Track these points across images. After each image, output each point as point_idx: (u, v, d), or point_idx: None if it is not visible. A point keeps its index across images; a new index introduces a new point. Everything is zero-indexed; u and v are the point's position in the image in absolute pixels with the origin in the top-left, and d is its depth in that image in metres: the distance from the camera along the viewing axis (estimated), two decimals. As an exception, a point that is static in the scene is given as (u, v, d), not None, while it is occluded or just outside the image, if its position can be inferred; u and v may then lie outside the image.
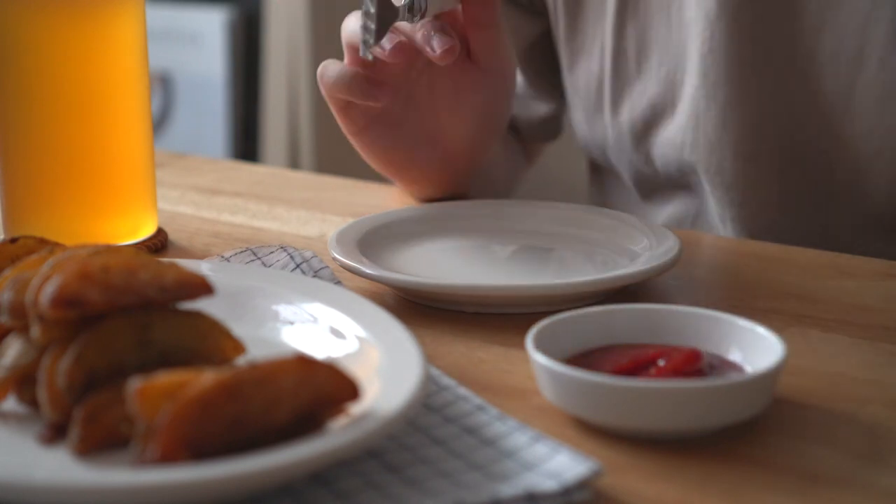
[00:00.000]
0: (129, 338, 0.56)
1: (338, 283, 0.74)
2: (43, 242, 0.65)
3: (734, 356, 0.62)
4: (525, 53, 1.07)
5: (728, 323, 0.63)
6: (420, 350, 0.59)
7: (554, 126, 1.11)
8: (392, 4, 0.78)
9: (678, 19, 0.95)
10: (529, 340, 0.60)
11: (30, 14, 0.79)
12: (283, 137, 2.28)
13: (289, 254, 0.78)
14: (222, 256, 0.79)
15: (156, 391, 0.51)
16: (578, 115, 1.04)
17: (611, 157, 1.03)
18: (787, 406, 0.61)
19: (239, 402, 0.51)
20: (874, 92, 0.89)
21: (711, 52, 0.92)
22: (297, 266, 0.76)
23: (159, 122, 2.49)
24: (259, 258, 0.78)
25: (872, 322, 0.72)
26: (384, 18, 0.78)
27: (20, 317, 0.57)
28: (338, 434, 0.52)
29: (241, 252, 0.79)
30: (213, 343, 0.58)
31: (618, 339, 0.64)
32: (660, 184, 1.01)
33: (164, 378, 0.52)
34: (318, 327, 0.66)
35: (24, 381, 0.58)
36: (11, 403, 0.59)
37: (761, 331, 0.61)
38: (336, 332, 0.65)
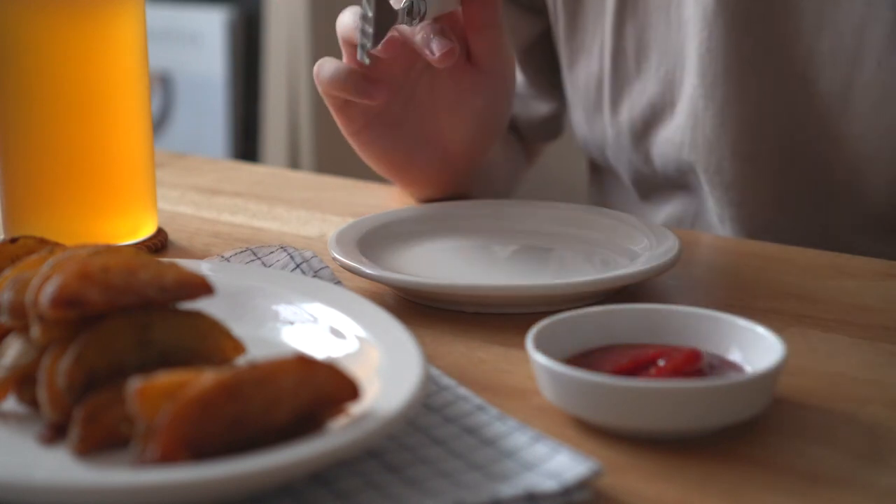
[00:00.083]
0: (129, 338, 0.56)
1: (338, 283, 0.74)
2: (43, 242, 0.65)
3: (734, 356, 0.62)
4: (525, 52, 1.07)
5: (728, 323, 0.63)
6: (420, 350, 0.59)
7: (554, 126, 1.11)
8: (390, 8, 0.78)
9: (677, 19, 0.95)
10: (529, 340, 0.60)
11: (30, 14, 0.79)
12: (283, 137, 2.28)
13: (289, 254, 0.78)
14: (222, 256, 0.79)
15: (156, 391, 0.51)
16: (578, 115, 1.04)
17: (610, 157, 1.03)
18: (787, 406, 0.61)
19: (239, 402, 0.51)
20: (872, 92, 0.89)
21: (709, 51, 0.92)
22: (297, 266, 0.76)
23: (159, 122, 2.49)
24: (259, 258, 0.78)
25: (872, 322, 0.72)
26: (382, 22, 0.77)
27: (20, 317, 0.57)
28: (338, 434, 0.52)
29: (241, 252, 0.79)
30: (213, 343, 0.58)
31: (618, 339, 0.64)
32: (658, 184, 1.01)
33: (164, 378, 0.52)
34: (318, 327, 0.66)
35: (24, 381, 0.58)
36: (11, 403, 0.59)
37: (761, 331, 0.61)
38: (336, 332, 0.65)
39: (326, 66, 0.82)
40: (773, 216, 0.94)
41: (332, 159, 2.22)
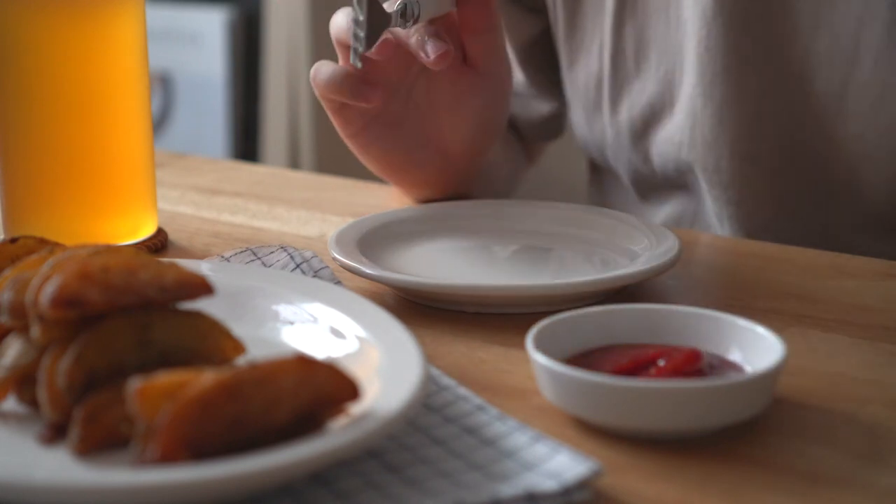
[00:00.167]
0: (129, 338, 0.56)
1: (338, 283, 0.74)
2: (43, 242, 0.65)
3: (734, 356, 0.62)
4: (525, 51, 1.07)
5: (728, 323, 0.63)
6: (420, 350, 0.59)
7: (555, 125, 1.11)
8: (383, 10, 0.77)
9: (676, 18, 0.95)
10: (529, 340, 0.60)
11: (30, 14, 0.79)
12: (283, 137, 2.28)
13: (289, 254, 0.78)
14: (222, 256, 0.79)
15: (156, 391, 0.51)
16: (577, 114, 1.04)
17: (609, 157, 1.03)
18: (787, 406, 0.61)
19: (239, 402, 0.51)
20: (870, 91, 0.89)
21: (708, 50, 0.92)
22: (297, 266, 0.76)
23: (159, 122, 2.49)
24: (259, 258, 0.78)
25: (872, 322, 0.72)
26: (375, 25, 0.77)
27: (20, 317, 0.57)
28: (338, 434, 0.52)
29: (241, 252, 0.79)
30: (213, 343, 0.58)
31: (618, 339, 0.64)
32: (658, 183, 1.01)
33: (164, 378, 0.52)
34: (318, 327, 0.66)
35: (24, 381, 0.58)
36: (11, 403, 0.59)
37: (761, 331, 0.61)
38: (336, 332, 0.65)
39: (322, 70, 0.82)
40: (773, 215, 0.94)
41: (332, 159, 2.22)
